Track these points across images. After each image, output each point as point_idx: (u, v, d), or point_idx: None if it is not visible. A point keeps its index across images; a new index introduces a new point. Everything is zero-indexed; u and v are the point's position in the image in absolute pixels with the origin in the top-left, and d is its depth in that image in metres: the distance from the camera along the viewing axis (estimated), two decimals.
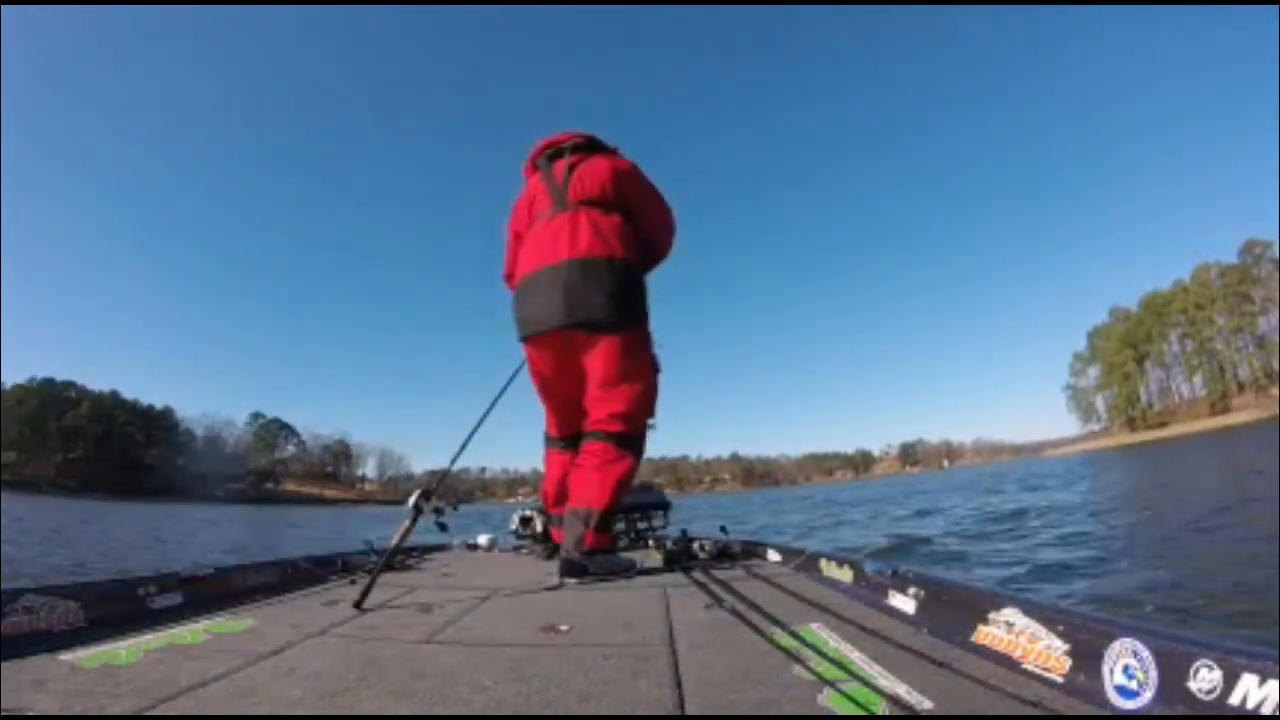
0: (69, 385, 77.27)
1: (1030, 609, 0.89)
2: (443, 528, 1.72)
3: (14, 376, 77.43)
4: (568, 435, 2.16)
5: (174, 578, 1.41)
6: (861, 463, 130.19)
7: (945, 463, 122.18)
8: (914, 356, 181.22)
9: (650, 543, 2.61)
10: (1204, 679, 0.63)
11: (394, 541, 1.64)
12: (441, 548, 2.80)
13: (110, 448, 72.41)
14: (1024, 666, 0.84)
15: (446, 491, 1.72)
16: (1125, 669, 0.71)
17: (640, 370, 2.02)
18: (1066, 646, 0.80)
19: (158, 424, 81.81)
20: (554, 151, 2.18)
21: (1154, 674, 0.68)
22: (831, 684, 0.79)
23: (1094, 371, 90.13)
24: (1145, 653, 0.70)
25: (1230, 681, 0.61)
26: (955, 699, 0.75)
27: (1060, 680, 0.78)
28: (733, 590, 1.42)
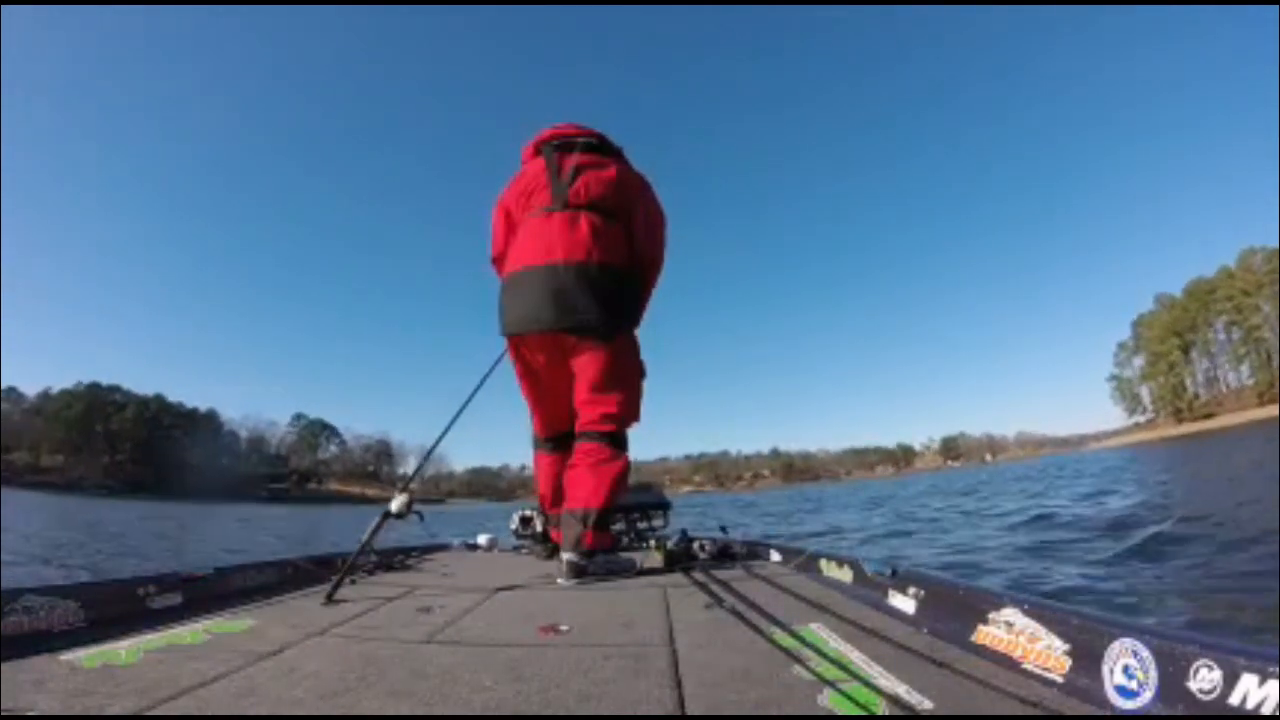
0: (114, 389, 79.85)
1: (1030, 609, 0.89)
2: (420, 517, 1.91)
3: (61, 381, 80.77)
4: (554, 435, 2.16)
5: (174, 578, 1.41)
6: (903, 457, 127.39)
7: (988, 457, 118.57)
8: (955, 349, 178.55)
9: (650, 543, 2.60)
10: (1204, 679, 0.63)
11: (364, 537, 1.75)
12: (441, 548, 2.80)
13: (155, 450, 73.95)
14: (1024, 666, 0.84)
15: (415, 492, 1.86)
16: (1125, 669, 0.71)
17: (630, 374, 2.03)
18: (1066, 646, 0.80)
19: (202, 426, 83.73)
20: (562, 143, 2.12)
21: (1154, 674, 0.68)
22: (831, 684, 0.79)
23: (1139, 361, 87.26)
24: (1145, 653, 0.70)
25: (1230, 681, 0.61)
26: (955, 699, 0.75)
27: (1060, 680, 0.78)
28: (733, 590, 1.42)
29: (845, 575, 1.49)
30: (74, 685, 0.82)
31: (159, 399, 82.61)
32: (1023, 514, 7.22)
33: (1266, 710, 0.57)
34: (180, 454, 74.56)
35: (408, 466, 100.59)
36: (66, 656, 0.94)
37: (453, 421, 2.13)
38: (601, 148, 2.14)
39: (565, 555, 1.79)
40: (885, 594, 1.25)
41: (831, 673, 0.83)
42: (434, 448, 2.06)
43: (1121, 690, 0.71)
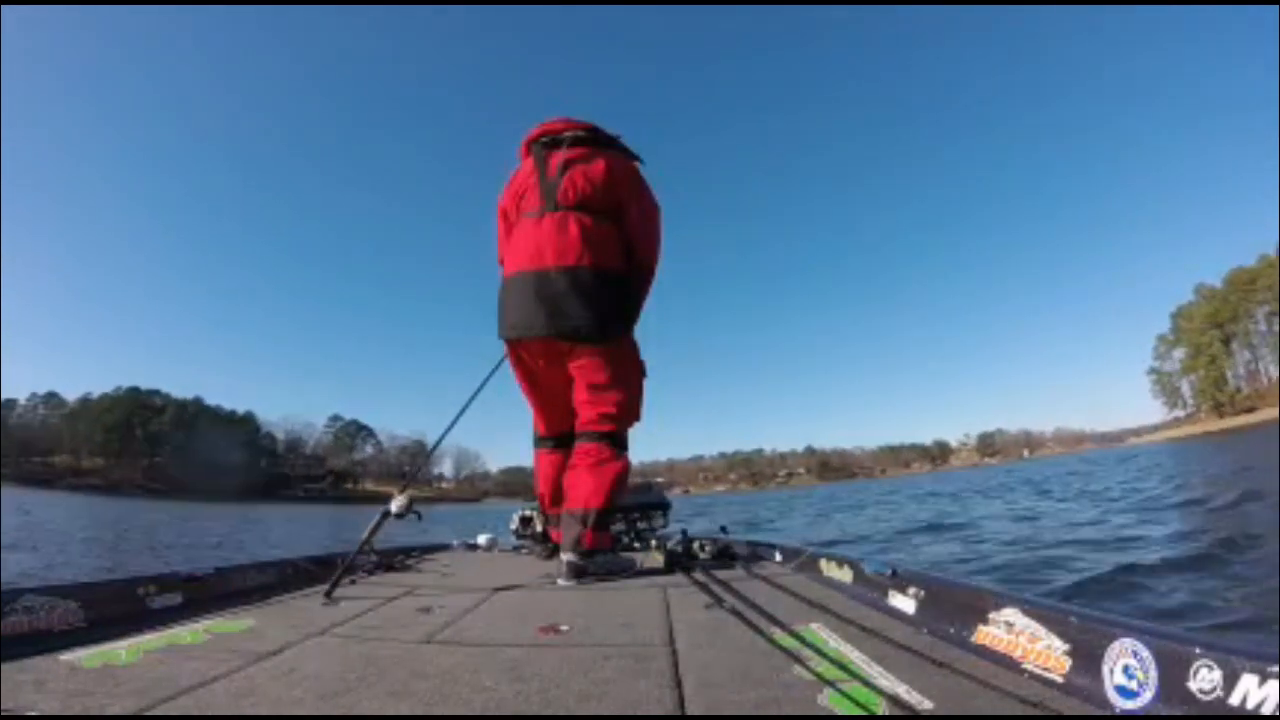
0: (154, 393, 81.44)
1: (1030, 609, 0.89)
2: (419, 516, 1.92)
3: (101, 386, 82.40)
4: (556, 434, 2.16)
5: (174, 578, 1.41)
6: (939, 454, 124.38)
7: (1025, 453, 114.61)
8: (991, 342, 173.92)
9: (651, 543, 2.60)
10: (1204, 679, 0.63)
11: (364, 536, 1.78)
12: (442, 548, 2.80)
13: (195, 452, 74.91)
14: (1024, 666, 0.84)
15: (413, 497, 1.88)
16: (1125, 669, 0.71)
17: (628, 375, 2.02)
18: (1066, 646, 0.80)
19: (240, 428, 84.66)
20: (551, 140, 2.09)
21: (1154, 674, 0.68)
22: (831, 684, 0.79)
23: (1179, 354, 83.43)
24: (1145, 653, 0.70)
25: (1230, 681, 0.61)
26: (955, 699, 0.75)
27: (1060, 680, 0.78)
28: (733, 590, 1.42)
29: (845, 575, 1.49)
30: (74, 685, 0.82)
31: (198, 402, 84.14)
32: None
33: (1266, 710, 0.57)
34: (219, 456, 75.68)
35: (443, 467, 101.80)
36: (66, 656, 0.94)
37: (453, 423, 2.15)
38: (590, 140, 2.09)
39: (565, 555, 1.79)
40: (885, 594, 1.25)
41: (831, 673, 0.83)
42: (434, 448, 2.07)
43: (1121, 690, 0.71)
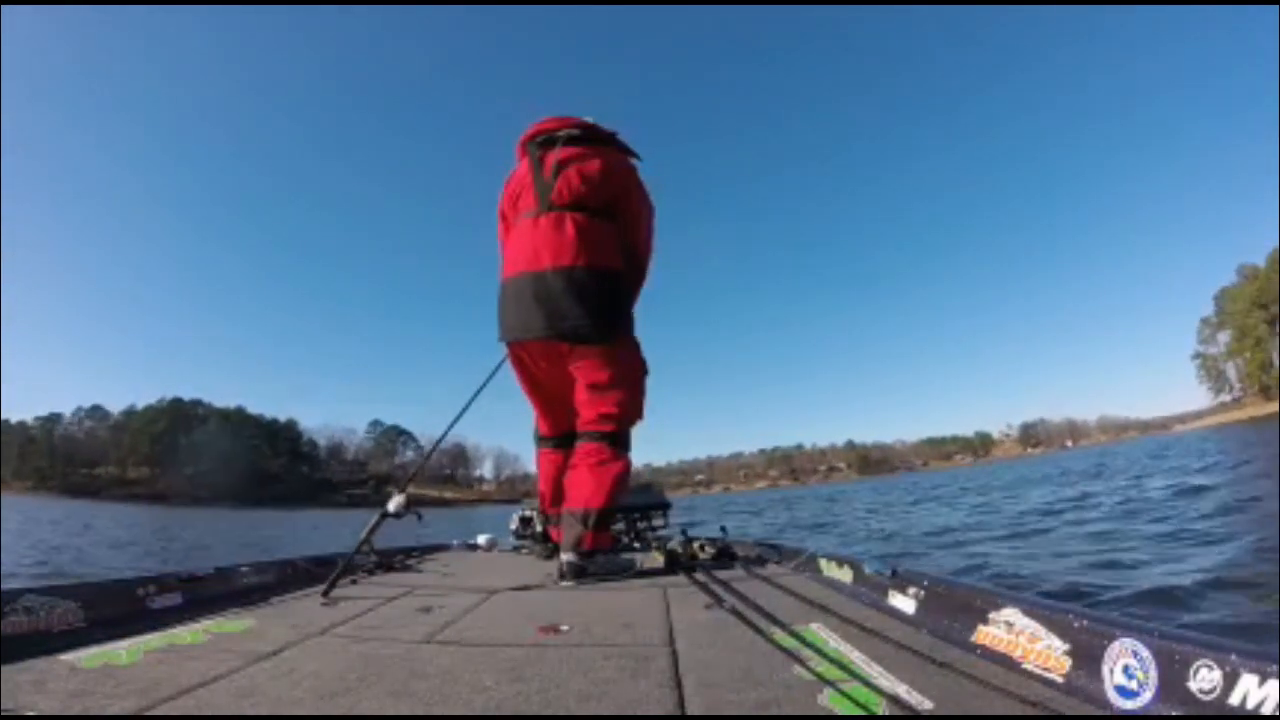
0: (196, 404, 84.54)
1: (1030, 609, 0.89)
2: (419, 516, 1.99)
3: (145, 398, 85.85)
4: (558, 434, 2.16)
5: (173, 578, 1.41)
6: (981, 446, 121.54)
7: (1069, 443, 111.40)
8: (1032, 330, 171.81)
9: (651, 543, 2.60)
10: (1204, 679, 0.63)
11: (362, 535, 1.81)
12: (442, 548, 2.80)
13: (238, 460, 76.84)
14: (1024, 666, 0.84)
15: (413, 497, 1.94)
16: (1125, 669, 0.71)
17: (629, 374, 2.01)
18: (1066, 646, 0.80)
19: (282, 435, 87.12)
20: (546, 139, 2.07)
21: (1154, 674, 0.68)
22: (831, 684, 0.79)
23: (1224, 337, 79.78)
24: (1145, 653, 0.70)
25: (1230, 681, 0.61)
26: (955, 699, 0.75)
27: (1060, 680, 0.78)
28: (733, 590, 1.42)
29: (845, 575, 1.49)
30: (74, 685, 0.82)
31: (240, 411, 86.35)
32: None
33: (1266, 710, 0.57)
34: (263, 463, 78.50)
35: (484, 469, 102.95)
36: (66, 657, 0.94)
37: (453, 423, 2.16)
38: (585, 138, 2.07)
39: (565, 555, 1.79)
40: (885, 594, 1.25)
41: (831, 673, 0.83)
42: (433, 449, 2.09)
43: (1121, 690, 0.71)
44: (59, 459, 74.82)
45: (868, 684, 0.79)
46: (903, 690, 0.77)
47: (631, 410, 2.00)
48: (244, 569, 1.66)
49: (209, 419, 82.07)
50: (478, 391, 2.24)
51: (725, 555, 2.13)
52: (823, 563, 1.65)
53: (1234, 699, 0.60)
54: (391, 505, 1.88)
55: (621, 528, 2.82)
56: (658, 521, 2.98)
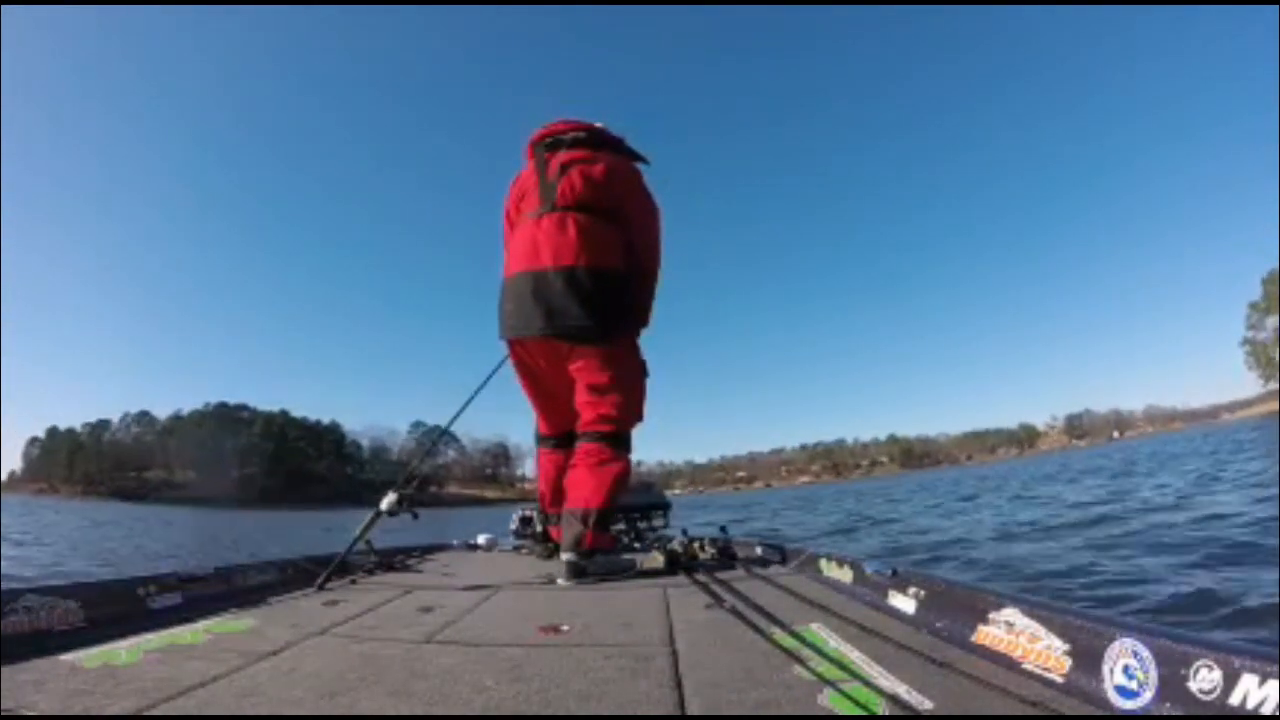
0: (241, 408, 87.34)
1: (1030, 609, 0.89)
2: (414, 515, 2.01)
3: (192, 403, 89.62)
4: (558, 434, 2.16)
5: (174, 578, 1.41)
6: (1026, 438, 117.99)
7: (1115, 434, 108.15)
8: (1075, 319, 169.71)
9: (651, 543, 2.60)
10: (1204, 679, 0.63)
11: (357, 533, 1.84)
12: (442, 548, 2.80)
13: (283, 462, 79.64)
14: (1024, 666, 0.84)
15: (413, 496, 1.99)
16: (1125, 669, 0.71)
17: (629, 376, 2.02)
18: (1066, 646, 0.80)
19: (326, 438, 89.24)
20: (553, 141, 2.09)
21: (1154, 674, 0.68)
22: (831, 684, 0.79)
23: (1273, 322, 74.68)
24: (1145, 653, 0.70)
25: (1230, 681, 0.61)
26: (955, 699, 0.75)
27: (1060, 680, 0.78)
28: (733, 590, 1.42)
29: (845, 575, 1.49)
30: (74, 685, 0.82)
31: (284, 414, 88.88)
32: None
33: (1266, 710, 0.57)
34: (307, 465, 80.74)
35: (526, 468, 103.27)
36: (66, 657, 0.94)
37: (451, 421, 2.17)
38: (592, 141, 2.09)
39: (565, 555, 1.79)
40: (885, 594, 1.25)
41: (831, 673, 0.83)
42: (432, 447, 2.16)
43: (1122, 690, 0.71)
44: (107, 464, 77.54)
45: (868, 684, 0.79)
46: (903, 690, 0.77)
47: (631, 412, 2.00)
48: (244, 569, 1.67)
49: (254, 422, 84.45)
50: (478, 390, 2.26)
51: (725, 555, 2.13)
52: (823, 563, 1.65)
53: (1234, 699, 0.60)
54: (384, 504, 1.89)
55: (621, 528, 2.82)
56: (658, 521, 2.98)
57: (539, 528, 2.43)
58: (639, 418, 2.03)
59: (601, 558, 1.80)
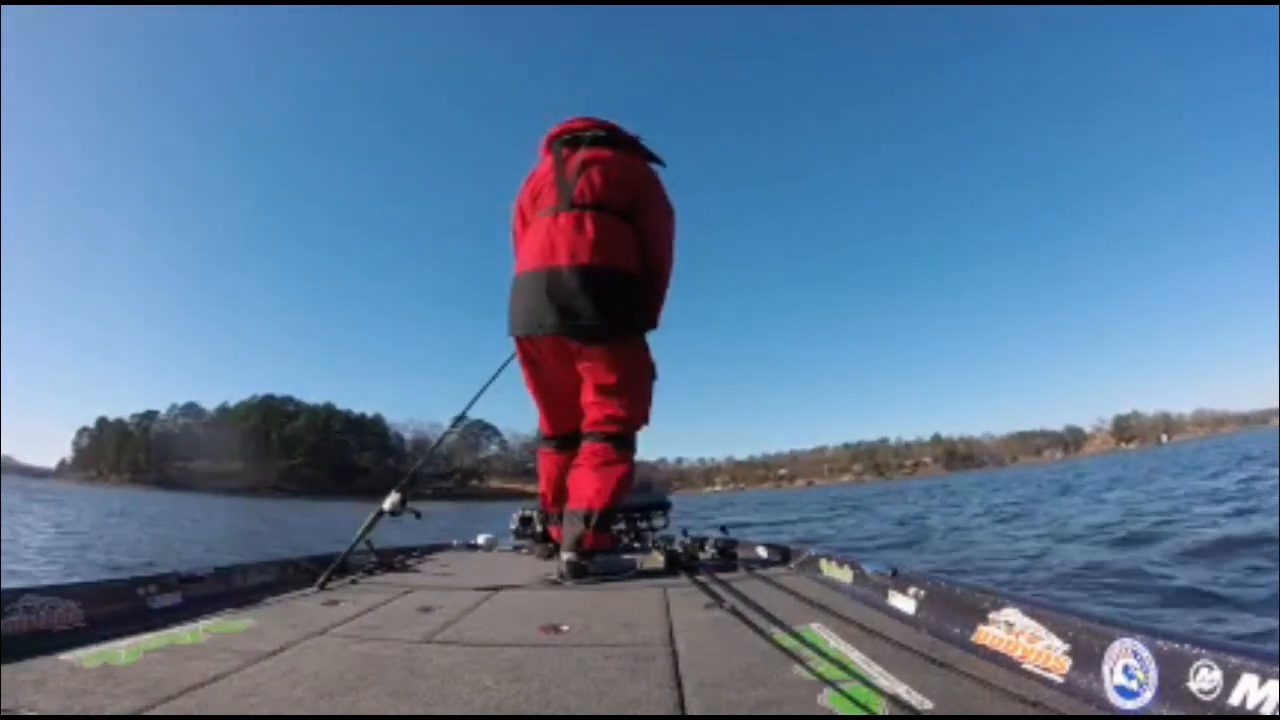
0: (287, 400, 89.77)
1: (1030, 609, 0.89)
2: (416, 515, 2.01)
3: (238, 395, 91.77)
4: (560, 434, 2.15)
5: (173, 578, 1.41)
6: (1072, 440, 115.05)
7: (1164, 437, 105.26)
8: (1124, 319, 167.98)
9: (651, 543, 2.60)
10: (1204, 679, 0.63)
11: (358, 534, 1.84)
12: (442, 548, 2.80)
13: (326, 454, 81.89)
14: (1024, 666, 0.84)
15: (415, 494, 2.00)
16: (1125, 669, 0.71)
17: (638, 377, 2.01)
18: (1066, 646, 0.80)
19: (369, 430, 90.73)
20: (571, 138, 2.08)
21: (1154, 674, 0.68)
22: (831, 684, 0.79)
23: None
24: (1145, 653, 0.70)
25: (1230, 682, 0.61)
26: (955, 699, 0.75)
27: (1060, 680, 0.78)
28: (733, 590, 1.42)
29: (845, 575, 1.49)
30: (74, 685, 0.82)
31: (328, 407, 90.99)
32: None
33: (1266, 710, 0.57)
34: (350, 457, 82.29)
35: None
36: (66, 656, 0.94)
37: (456, 420, 2.16)
38: (610, 140, 2.08)
39: (565, 555, 1.79)
40: (885, 594, 1.25)
41: (831, 673, 0.83)
42: (435, 447, 2.11)
43: (1122, 690, 0.71)
44: (154, 453, 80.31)
45: (868, 684, 0.79)
46: (903, 690, 0.77)
47: (638, 414, 1.99)
48: (244, 569, 1.67)
49: (299, 415, 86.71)
50: (484, 386, 2.26)
51: (726, 555, 2.13)
52: (823, 563, 1.65)
53: (1234, 699, 0.60)
54: (387, 504, 1.89)
55: (622, 527, 2.82)
56: (658, 521, 2.98)
57: (539, 527, 2.43)
58: (645, 420, 2.03)
59: (602, 558, 1.80)
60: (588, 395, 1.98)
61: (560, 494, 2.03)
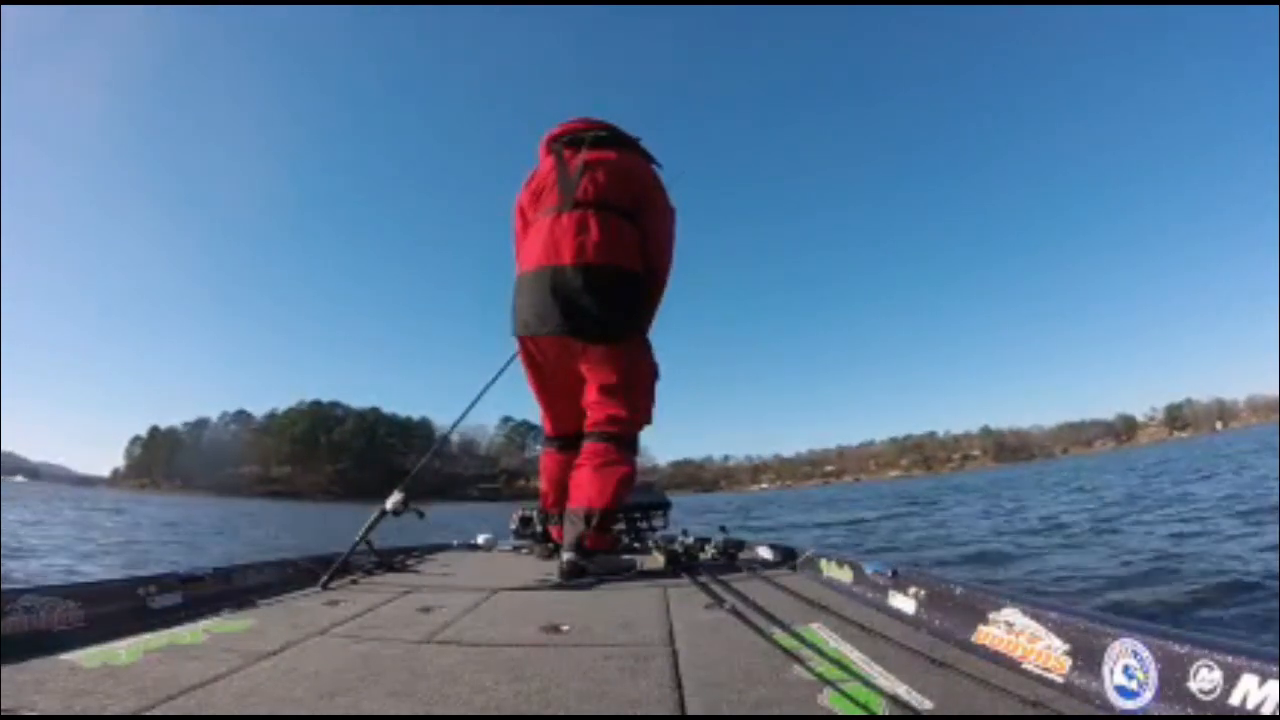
0: (334, 405, 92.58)
1: (1030, 609, 0.89)
2: (420, 514, 2.01)
3: (287, 401, 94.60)
4: (561, 434, 2.15)
5: (174, 578, 1.41)
6: (1124, 430, 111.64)
7: (1218, 425, 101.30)
8: (1178, 303, 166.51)
9: (651, 543, 2.60)
10: (1204, 679, 0.63)
11: (360, 533, 1.85)
12: (442, 548, 2.80)
13: (374, 457, 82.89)
14: (1024, 666, 0.84)
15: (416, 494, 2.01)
16: (1125, 669, 0.72)
17: (641, 377, 2.01)
18: (1066, 646, 0.80)
19: (415, 433, 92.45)
20: (572, 139, 2.09)
21: (1154, 674, 0.68)
22: (831, 684, 0.79)
23: None
24: (1145, 653, 0.70)
25: (1230, 681, 0.61)
26: (955, 699, 0.75)
27: (1060, 680, 0.78)
28: (733, 590, 1.42)
29: (845, 575, 1.49)
30: (74, 685, 0.82)
31: (375, 411, 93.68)
32: None
33: (1266, 710, 0.57)
34: (397, 460, 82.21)
35: None
36: (66, 657, 0.94)
37: (459, 420, 2.17)
38: (612, 141, 2.09)
39: (565, 555, 1.79)
40: (885, 594, 1.25)
41: (831, 673, 0.83)
42: (437, 446, 2.13)
43: (1122, 690, 0.71)
44: (206, 460, 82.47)
45: (868, 684, 0.79)
46: (903, 690, 0.77)
47: (641, 414, 1.99)
48: (244, 569, 1.67)
49: (346, 419, 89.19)
50: (486, 386, 2.26)
51: (726, 555, 2.13)
52: (823, 563, 1.65)
53: (1234, 699, 0.60)
54: (389, 504, 1.89)
55: (622, 527, 2.82)
56: (658, 521, 2.98)
57: (539, 527, 2.43)
58: (648, 420, 2.03)
59: (602, 558, 1.80)
60: (590, 395, 1.97)
61: (561, 494, 2.03)
